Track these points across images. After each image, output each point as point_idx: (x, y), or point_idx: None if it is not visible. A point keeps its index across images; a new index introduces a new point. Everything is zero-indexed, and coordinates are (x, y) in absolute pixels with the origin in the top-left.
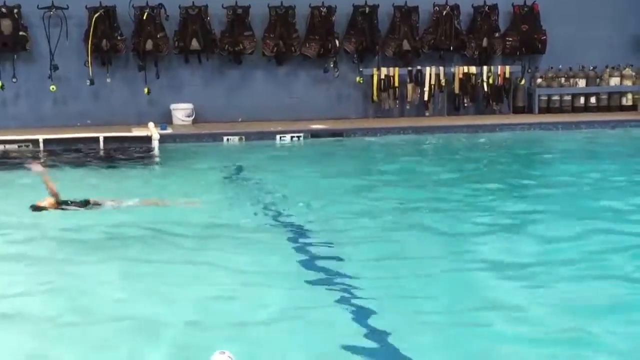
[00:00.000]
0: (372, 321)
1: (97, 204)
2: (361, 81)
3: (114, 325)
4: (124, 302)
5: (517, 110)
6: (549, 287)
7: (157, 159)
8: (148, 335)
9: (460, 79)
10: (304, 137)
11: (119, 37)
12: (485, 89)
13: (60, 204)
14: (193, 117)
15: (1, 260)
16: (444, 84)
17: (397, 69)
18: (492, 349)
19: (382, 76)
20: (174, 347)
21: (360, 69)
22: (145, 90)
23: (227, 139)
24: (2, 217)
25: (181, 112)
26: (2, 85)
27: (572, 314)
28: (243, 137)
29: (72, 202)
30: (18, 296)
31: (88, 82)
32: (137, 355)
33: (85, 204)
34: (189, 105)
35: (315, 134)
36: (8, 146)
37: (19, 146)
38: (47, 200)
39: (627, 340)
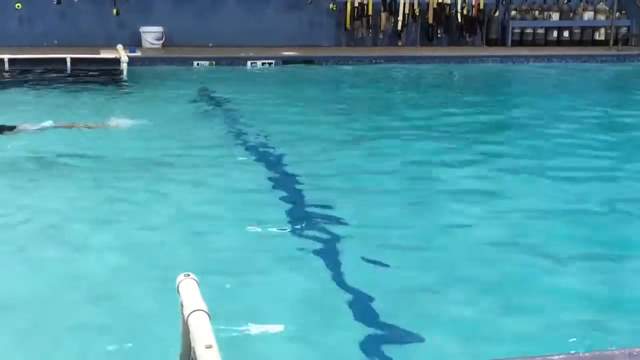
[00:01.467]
0: (339, 246)
1: (9, 128)
2: (334, 8)
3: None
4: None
5: (490, 43)
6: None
7: (125, 82)
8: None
9: (434, 9)
10: (275, 64)
11: None
12: (459, 20)
13: None
14: (163, 40)
15: None
16: (417, 14)
17: None
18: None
19: (356, 4)
20: (138, 276)
21: None
22: (114, 11)
23: (197, 64)
24: None
25: (151, 35)
26: None
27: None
28: (213, 62)
29: None
30: None
31: (55, 1)
32: (103, 279)
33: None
34: (159, 29)
35: (287, 61)
36: None
37: None
38: None
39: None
